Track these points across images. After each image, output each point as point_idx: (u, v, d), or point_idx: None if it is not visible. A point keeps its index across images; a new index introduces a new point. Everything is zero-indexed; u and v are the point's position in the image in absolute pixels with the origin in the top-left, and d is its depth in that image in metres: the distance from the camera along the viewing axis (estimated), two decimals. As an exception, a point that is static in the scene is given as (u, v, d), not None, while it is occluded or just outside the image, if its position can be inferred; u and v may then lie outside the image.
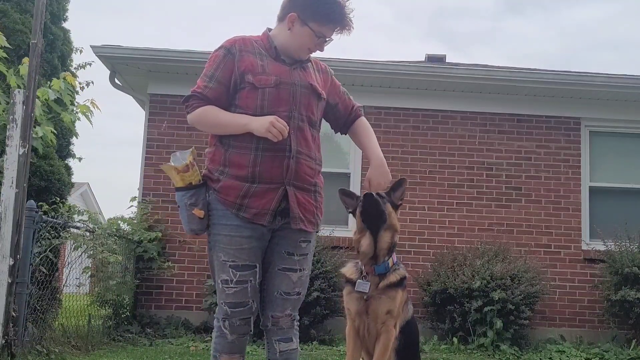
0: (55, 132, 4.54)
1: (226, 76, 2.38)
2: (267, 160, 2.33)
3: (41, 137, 4.35)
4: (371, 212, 3.03)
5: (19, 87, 4.08)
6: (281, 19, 2.48)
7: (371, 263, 3.06)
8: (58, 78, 4.58)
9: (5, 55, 4.27)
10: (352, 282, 3.11)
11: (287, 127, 2.30)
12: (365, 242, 3.06)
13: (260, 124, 2.27)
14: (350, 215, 4.11)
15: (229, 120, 2.35)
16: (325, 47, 2.51)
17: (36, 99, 4.20)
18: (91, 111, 4.64)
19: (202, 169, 2.43)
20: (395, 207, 3.15)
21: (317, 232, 2.53)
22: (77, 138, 5.88)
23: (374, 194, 3.05)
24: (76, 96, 4.77)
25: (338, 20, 2.43)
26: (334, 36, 2.49)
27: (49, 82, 4.49)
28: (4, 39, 4.21)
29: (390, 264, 3.07)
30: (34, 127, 4.25)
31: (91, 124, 4.70)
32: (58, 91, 4.41)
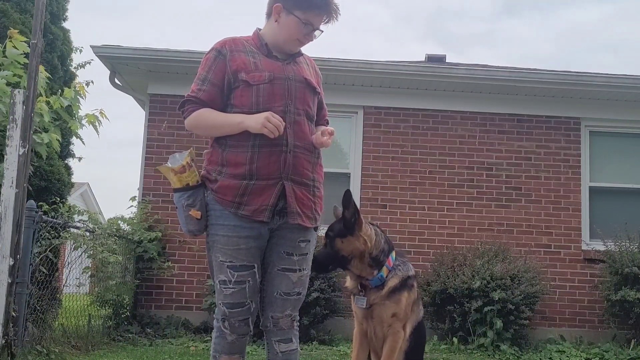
0: (59, 140, 4.56)
1: (219, 77, 2.38)
2: (264, 156, 2.32)
3: (46, 144, 4.34)
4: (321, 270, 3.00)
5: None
6: (268, 14, 2.48)
7: (364, 280, 3.01)
8: (59, 78, 4.58)
9: (25, 60, 4.25)
10: (351, 293, 3.11)
11: (284, 123, 2.29)
12: (347, 272, 3.07)
13: (255, 121, 2.27)
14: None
15: (224, 121, 2.35)
16: (315, 39, 2.48)
17: (46, 107, 4.22)
18: (99, 120, 4.65)
19: (200, 170, 2.44)
20: (351, 228, 2.87)
21: (316, 228, 2.51)
22: (83, 145, 5.91)
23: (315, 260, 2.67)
24: (81, 102, 4.77)
25: (322, 5, 2.41)
26: (322, 27, 2.46)
27: (60, 90, 4.50)
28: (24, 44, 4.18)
29: (385, 273, 2.96)
30: (40, 132, 4.26)
31: (97, 133, 4.70)
32: (69, 98, 4.42)
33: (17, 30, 4.18)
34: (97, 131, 4.66)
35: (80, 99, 4.56)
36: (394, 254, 3.05)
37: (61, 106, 4.35)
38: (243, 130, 2.31)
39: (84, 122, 4.66)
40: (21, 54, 4.16)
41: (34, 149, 4.26)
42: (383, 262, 2.97)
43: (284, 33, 2.43)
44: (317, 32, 2.46)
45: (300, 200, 2.39)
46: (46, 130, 4.32)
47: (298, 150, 2.38)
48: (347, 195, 2.86)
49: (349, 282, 3.13)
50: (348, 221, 2.89)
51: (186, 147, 2.46)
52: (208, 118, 2.37)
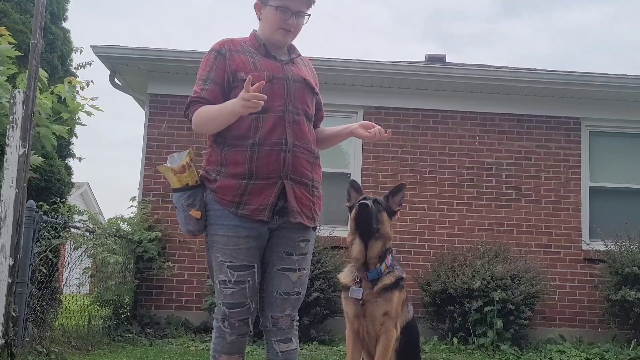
0: (68, 131, 4.56)
1: (220, 76, 2.39)
2: (264, 156, 2.32)
3: (55, 135, 4.34)
4: (363, 221, 3.05)
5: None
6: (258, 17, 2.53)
7: (363, 269, 3.07)
8: (59, 79, 4.58)
9: (17, 53, 4.25)
10: (347, 288, 3.12)
11: (261, 86, 2.19)
12: (356, 248, 3.09)
13: (239, 105, 2.20)
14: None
15: (218, 111, 2.32)
16: (304, 24, 2.47)
17: (44, 104, 4.22)
18: (95, 107, 4.63)
19: (200, 170, 2.44)
20: (392, 214, 3.16)
21: (315, 228, 2.51)
22: (77, 138, 5.89)
23: (370, 203, 3.04)
24: (77, 96, 4.76)
25: None
26: (308, 10, 2.45)
27: (52, 87, 4.50)
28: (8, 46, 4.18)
29: (383, 269, 3.07)
30: (47, 126, 4.27)
31: (91, 115, 4.65)
32: (63, 93, 4.42)
33: (4, 27, 4.18)
34: (97, 108, 4.61)
35: (76, 93, 4.55)
36: (390, 255, 3.16)
37: (52, 102, 4.35)
38: (237, 116, 2.28)
39: (77, 116, 4.66)
40: (12, 47, 4.16)
41: (35, 146, 4.26)
42: (384, 258, 3.10)
43: (267, 25, 2.45)
44: (303, 18, 2.45)
45: (299, 200, 2.39)
46: (43, 126, 4.32)
47: (297, 150, 2.38)
48: (402, 186, 3.22)
49: (345, 276, 3.17)
50: (392, 207, 3.13)
51: (186, 147, 2.46)
52: (206, 112, 2.36)
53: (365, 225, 3.05)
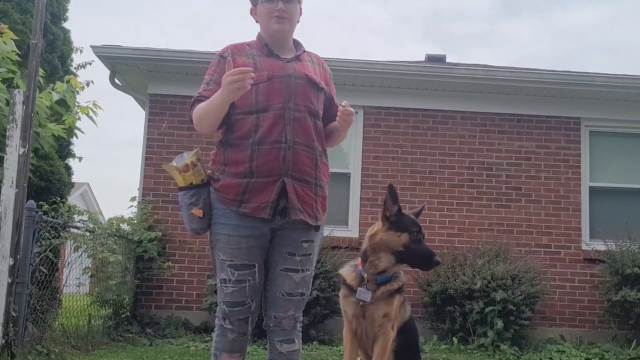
0: (69, 127, 4.57)
1: (222, 78, 2.40)
2: (264, 154, 2.34)
3: (50, 135, 4.34)
4: (418, 263, 3.01)
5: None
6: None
7: (376, 274, 3.04)
8: (59, 79, 4.58)
9: (18, 58, 4.24)
10: (349, 287, 3.10)
11: (249, 70, 2.21)
12: (385, 262, 3.01)
13: (226, 90, 2.21)
14: (351, 212, 4.00)
15: (211, 102, 2.33)
16: (293, 9, 2.48)
17: (41, 104, 4.21)
18: (94, 112, 4.66)
19: (208, 170, 2.48)
20: None
21: (318, 227, 2.48)
22: (77, 138, 5.88)
23: (434, 259, 2.97)
24: (77, 96, 4.77)
25: None
26: None
27: (51, 85, 4.49)
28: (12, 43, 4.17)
29: (391, 273, 3.07)
30: (48, 125, 4.27)
31: (95, 123, 4.73)
32: (61, 92, 4.42)
33: (7, 26, 4.18)
34: (94, 122, 4.69)
35: (75, 93, 4.56)
36: None
37: (51, 101, 4.35)
38: (228, 104, 2.30)
39: (77, 115, 4.68)
40: (13, 51, 4.15)
41: (36, 144, 4.26)
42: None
43: (263, 21, 2.51)
44: (293, 4, 2.47)
45: (300, 197, 2.38)
46: (42, 126, 4.32)
47: (298, 147, 2.38)
48: (423, 206, 3.44)
49: (349, 275, 3.14)
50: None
51: (186, 147, 2.50)
52: (200, 109, 2.39)
53: (415, 264, 3.05)
